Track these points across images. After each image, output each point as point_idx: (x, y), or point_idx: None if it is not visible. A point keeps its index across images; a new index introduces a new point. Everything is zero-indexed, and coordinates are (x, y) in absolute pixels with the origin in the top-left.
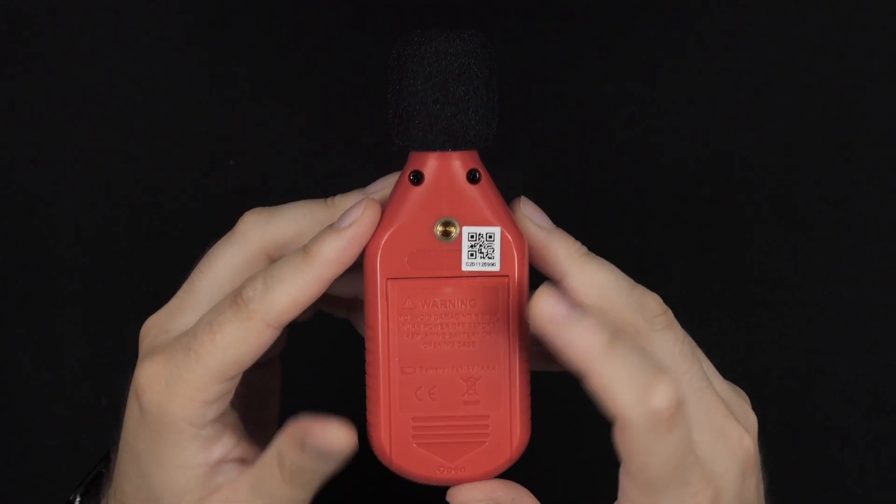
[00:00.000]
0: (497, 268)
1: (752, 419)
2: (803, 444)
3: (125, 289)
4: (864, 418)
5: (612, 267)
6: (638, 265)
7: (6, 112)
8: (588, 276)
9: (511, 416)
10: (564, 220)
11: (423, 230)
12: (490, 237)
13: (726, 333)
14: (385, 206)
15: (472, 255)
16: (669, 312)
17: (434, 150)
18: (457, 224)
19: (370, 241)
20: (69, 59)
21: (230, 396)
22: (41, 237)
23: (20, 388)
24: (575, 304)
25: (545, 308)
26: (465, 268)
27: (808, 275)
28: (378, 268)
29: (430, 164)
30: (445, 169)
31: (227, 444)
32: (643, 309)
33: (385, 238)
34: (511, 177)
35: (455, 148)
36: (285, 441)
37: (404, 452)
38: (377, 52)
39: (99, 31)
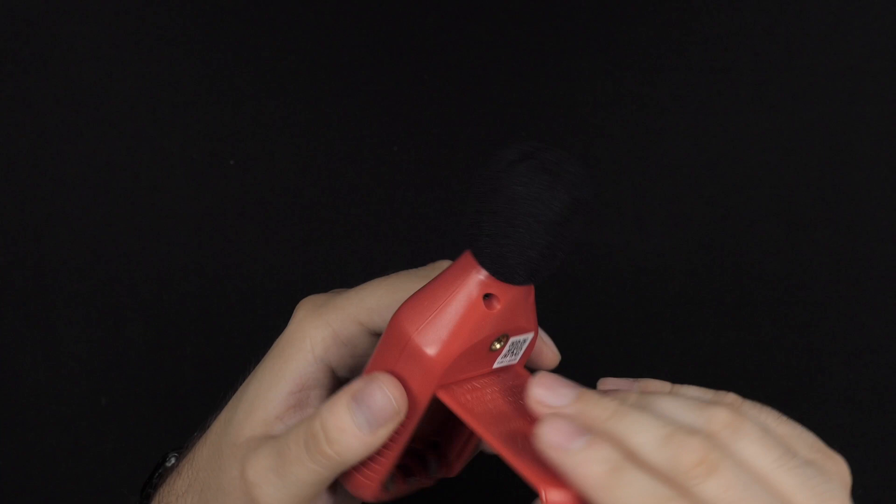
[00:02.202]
0: (516, 361)
1: None
2: None
3: (125, 289)
4: (864, 418)
5: (637, 429)
6: (638, 265)
7: (6, 112)
8: (620, 438)
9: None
10: None
11: (481, 347)
12: (524, 341)
13: (726, 333)
14: (444, 306)
15: (505, 355)
16: (713, 454)
17: (517, 283)
18: (507, 337)
19: (430, 349)
20: (69, 59)
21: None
22: (41, 237)
23: (20, 388)
24: (579, 432)
25: (547, 435)
26: (495, 366)
27: (808, 275)
28: (437, 381)
29: (509, 293)
30: (518, 296)
31: None
32: (677, 467)
33: (451, 361)
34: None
35: (535, 283)
36: (330, 403)
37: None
38: (377, 52)
39: (99, 31)
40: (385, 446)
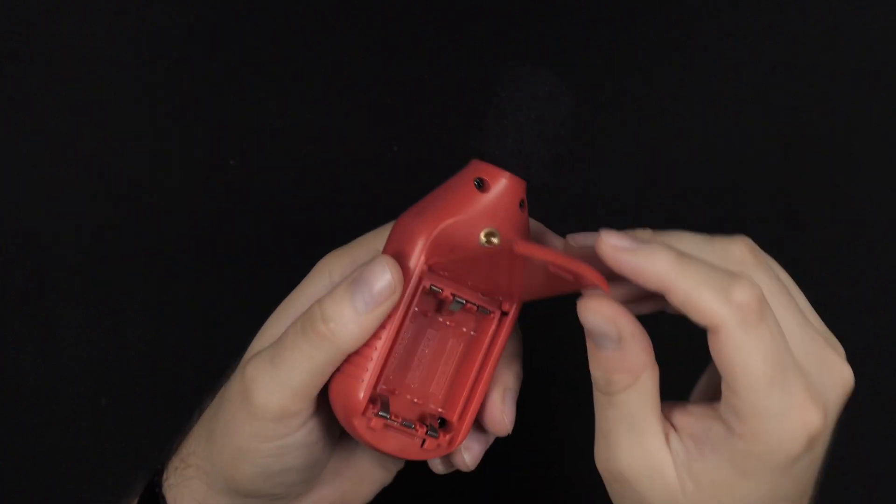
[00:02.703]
0: None
1: (847, 370)
2: None
3: (125, 289)
4: (864, 418)
5: (680, 239)
6: None
7: (6, 112)
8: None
9: None
10: (565, 219)
11: (471, 232)
12: None
13: None
14: (438, 193)
15: None
16: (756, 252)
17: (508, 170)
18: (498, 236)
19: (421, 221)
20: (69, 59)
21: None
22: (41, 237)
23: (20, 388)
24: (638, 239)
25: (611, 241)
26: None
27: (807, 275)
28: (425, 248)
29: (500, 180)
30: (510, 190)
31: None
32: (729, 259)
33: (441, 227)
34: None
35: (524, 177)
36: (331, 290)
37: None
38: (377, 52)
39: (99, 31)
40: (376, 335)
